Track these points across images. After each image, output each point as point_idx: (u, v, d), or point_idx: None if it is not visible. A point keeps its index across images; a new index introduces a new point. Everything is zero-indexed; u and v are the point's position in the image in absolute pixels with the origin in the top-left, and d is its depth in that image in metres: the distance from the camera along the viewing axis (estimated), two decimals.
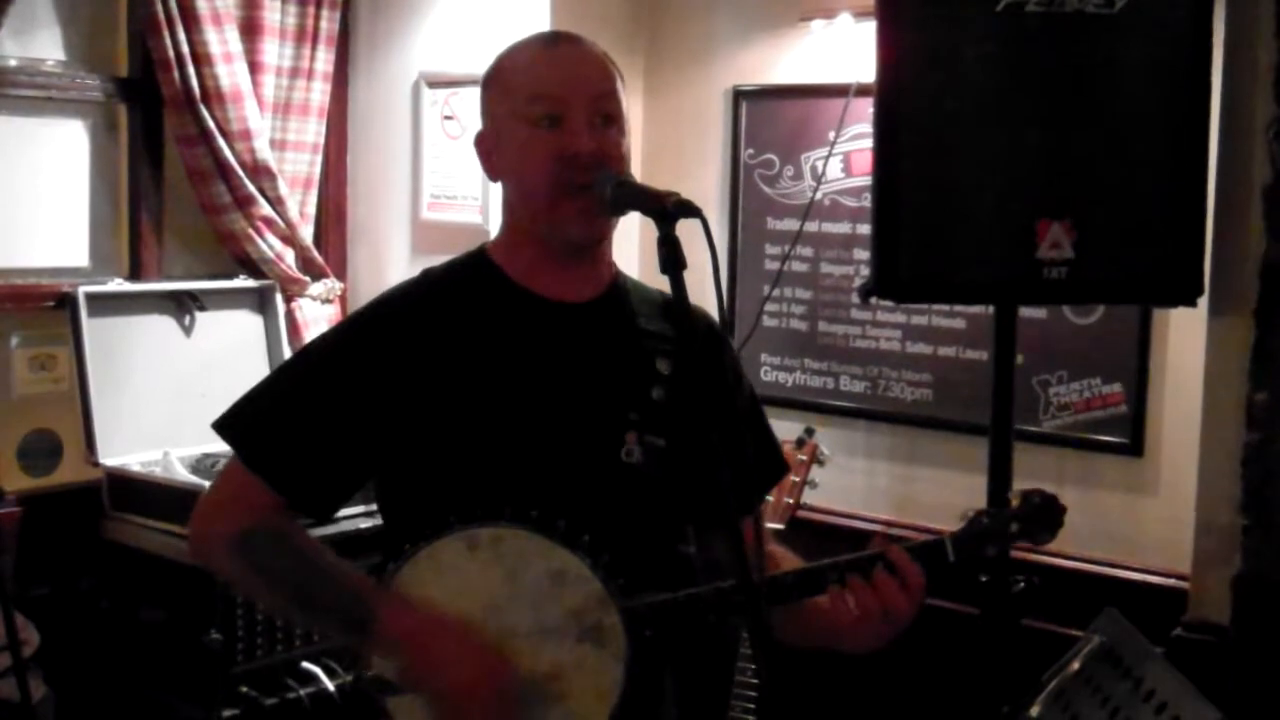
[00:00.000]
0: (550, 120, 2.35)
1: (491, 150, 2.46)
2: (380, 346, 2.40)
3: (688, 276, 2.16)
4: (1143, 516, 4.10)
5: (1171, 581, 3.90)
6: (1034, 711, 3.03)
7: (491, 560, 2.28)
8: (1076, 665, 3.06)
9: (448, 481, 2.37)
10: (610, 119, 2.40)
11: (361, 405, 2.37)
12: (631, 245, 4.58)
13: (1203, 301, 3.26)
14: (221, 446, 2.49)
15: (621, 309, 2.52)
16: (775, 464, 2.76)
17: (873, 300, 3.34)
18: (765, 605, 2.24)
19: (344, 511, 2.56)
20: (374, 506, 2.56)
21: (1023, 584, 3.32)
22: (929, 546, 2.43)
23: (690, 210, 2.20)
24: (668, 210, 2.20)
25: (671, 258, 2.16)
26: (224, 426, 2.46)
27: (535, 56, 2.44)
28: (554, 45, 2.45)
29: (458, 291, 2.47)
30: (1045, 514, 2.51)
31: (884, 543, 2.39)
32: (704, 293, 2.24)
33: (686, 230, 2.18)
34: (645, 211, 2.25)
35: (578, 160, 2.34)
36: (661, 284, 2.27)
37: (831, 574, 2.36)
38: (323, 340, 2.55)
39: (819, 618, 2.38)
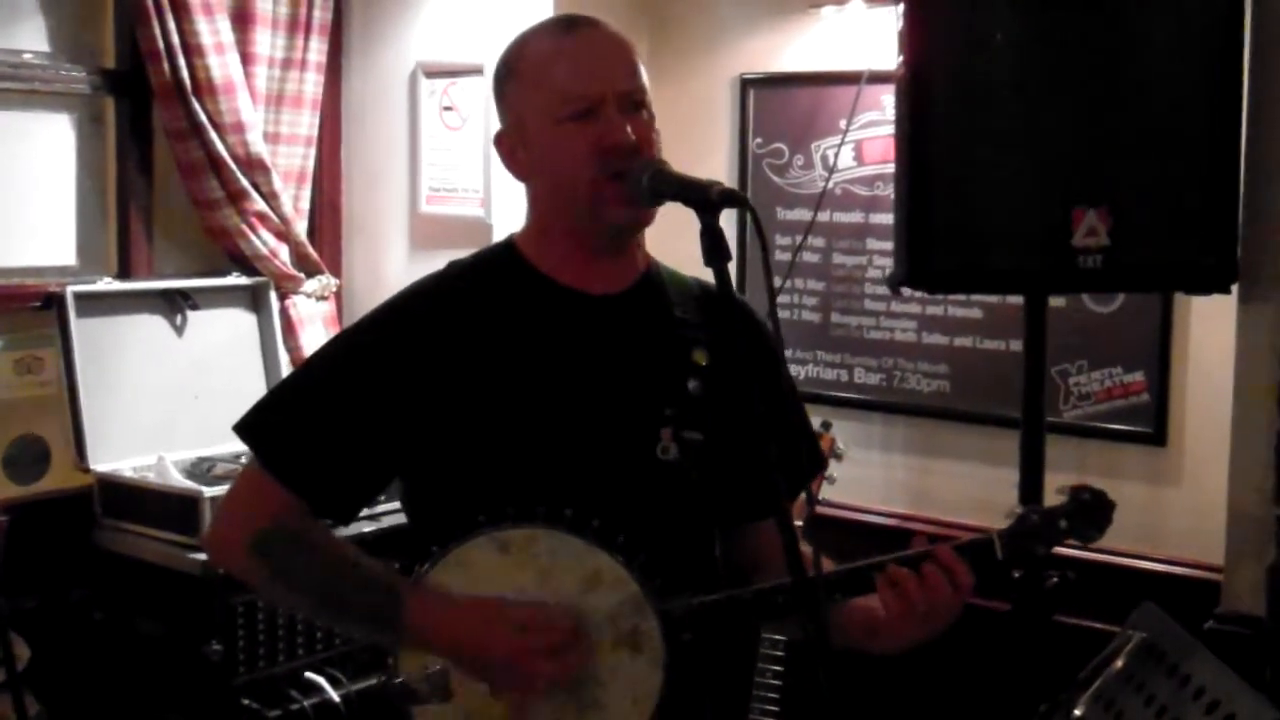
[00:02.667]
0: (583, 114, 2.28)
1: (515, 148, 2.39)
2: (404, 344, 2.35)
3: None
4: (1167, 507, 4.05)
5: (1199, 573, 3.85)
6: (1078, 712, 2.96)
7: (524, 562, 2.24)
8: (1119, 664, 2.99)
9: (477, 481, 2.32)
10: (640, 105, 2.34)
11: (385, 405, 2.33)
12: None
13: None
14: (218, 449, 2.45)
15: (656, 299, 2.45)
16: (815, 458, 2.73)
17: (904, 291, 3.29)
18: (825, 604, 2.18)
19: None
20: (377, 510, 2.50)
21: (1056, 579, 3.27)
22: (977, 545, 2.36)
23: (736, 200, 2.15)
24: (711, 200, 2.12)
25: (716, 249, 2.09)
26: (244, 428, 2.42)
27: (557, 49, 2.34)
28: (574, 33, 2.36)
29: (485, 285, 2.41)
30: (1095, 511, 2.46)
31: (926, 543, 2.32)
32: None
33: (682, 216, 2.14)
34: (686, 201, 2.18)
35: (617, 150, 2.27)
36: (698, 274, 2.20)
37: (877, 572, 2.28)
38: (345, 337, 2.50)
39: (855, 615, 2.32)
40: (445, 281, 2.44)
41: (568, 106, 2.28)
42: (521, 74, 2.36)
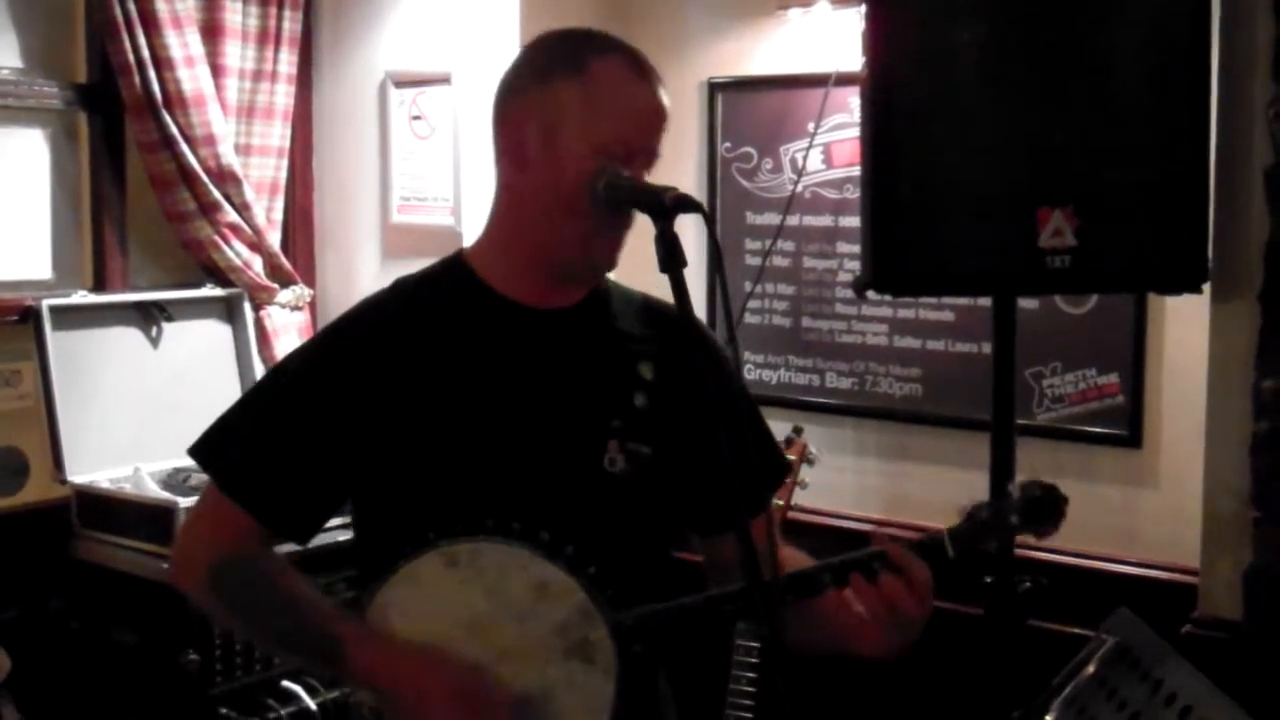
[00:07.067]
0: (616, 160, 2.27)
1: (533, 136, 2.32)
2: (354, 362, 2.35)
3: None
4: (1143, 509, 4.03)
5: (1175, 576, 3.83)
6: (1049, 718, 2.95)
7: (471, 576, 2.24)
8: (1091, 669, 2.98)
9: (426, 497, 2.32)
10: (654, 158, 2.36)
11: (337, 424, 2.33)
12: None
13: (1203, 287, 3.20)
14: (193, 461, 2.43)
15: (603, 313, 2.46)
16: (778, 464, 2.73)
17: (870, 294, 3.27)
18: (778, 611, 2.16)
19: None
20: (350, 520, 2.50)
21: (1029, 584, 3.26)
22: (927, 543, 2.34)
23: (690, 205, 2.14)
24: (666, 206, 2.13)
25: (671, 256, 2.09)
26: (198, 451, 2.43)
27: (631, 88, 2.32)
28: (648, 81, 2.34)
29: (433, 301, 2.41)
30: (1046, 506, 2.42)
31: (883, 541, 2.30)
32: (693, 290, 2.15)
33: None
34: (642, 208, 2.20)
35: None
36: (639, 281, 2.19)
37: (828, 575, 2.28)
38: (295, 357, 2.49)
39: (828, 622, 2.30)
40: (393, 299, 2.44)
41: (612, 146, 2.27)
42: (588, 84, 2.30)
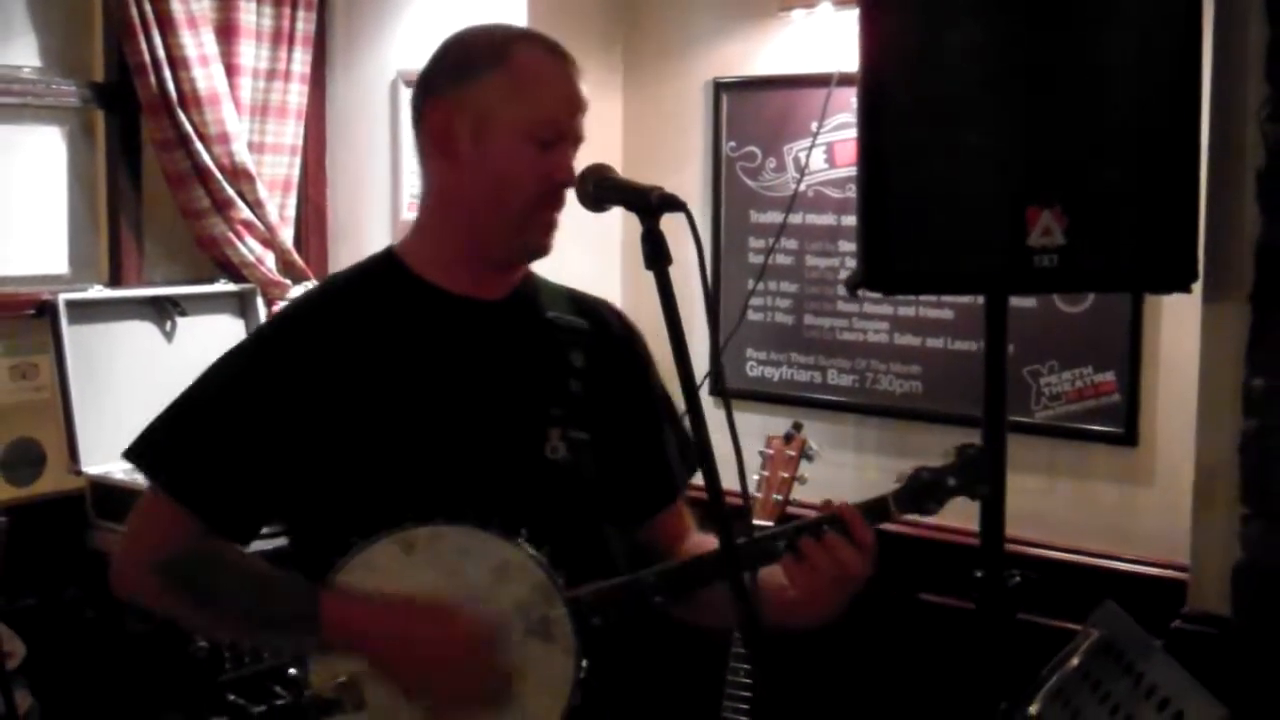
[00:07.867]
0: (547, 143, 2.36)
1: (461, 133, 2.40)
2: (289, 358, 2.38)
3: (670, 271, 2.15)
4: (1138, 507, 4.04)
5: (1168, 572, 3.83)
6: (1033, 709, 2.99)
7: (430, 559, 2.28)
8: (1075, 661, 3.02)
9: (373, 490, 2.34)
10: (580, 141, 2.44)
11: (275, 420, 2.35)
12: (613, 240, 4.57)
13: (1196, 287, 3.18)
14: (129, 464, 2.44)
15: (533, 304, 2.53)
16: (691, 461, 2.73)
17: (860, 292, 3.30)
18: (750, 581, 2.22)
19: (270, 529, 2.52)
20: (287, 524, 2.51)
21: (1018, 578, 3.29)
22: (872, 505, 2.41)
23: (675, 204, 2.19)
24: (651, 204, 2.19)
25: (656, 254, 2.16)
26: (135, 454, 2.43)
27: (550, 71, 2.41)
28: (564, 64, 2.43)
29: (364, 295, 2.46)
30: (980, 466, 2.50)
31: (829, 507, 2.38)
32: (685, 288, 2.19)
33: (669, 224, 2.17)
34: (628, 206, 2.24)
35: (563, 187, 2.37)
36: (640, 279, 2.23)
37: (781, 540, 2.34)
38: (229, 357, 2.50)
39: (769, 594, 2.33)
40: (323, 295, 2.53)
41: (542, 130, 2.36)
42: (510, 73, 2.38)
